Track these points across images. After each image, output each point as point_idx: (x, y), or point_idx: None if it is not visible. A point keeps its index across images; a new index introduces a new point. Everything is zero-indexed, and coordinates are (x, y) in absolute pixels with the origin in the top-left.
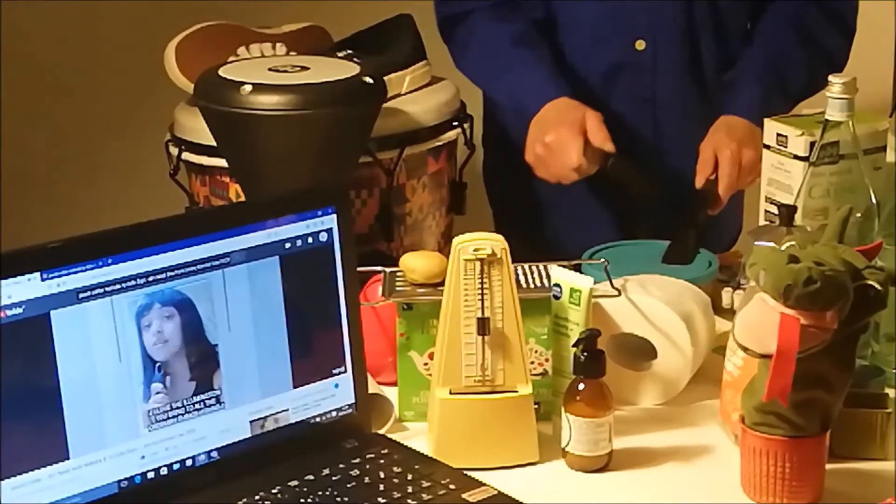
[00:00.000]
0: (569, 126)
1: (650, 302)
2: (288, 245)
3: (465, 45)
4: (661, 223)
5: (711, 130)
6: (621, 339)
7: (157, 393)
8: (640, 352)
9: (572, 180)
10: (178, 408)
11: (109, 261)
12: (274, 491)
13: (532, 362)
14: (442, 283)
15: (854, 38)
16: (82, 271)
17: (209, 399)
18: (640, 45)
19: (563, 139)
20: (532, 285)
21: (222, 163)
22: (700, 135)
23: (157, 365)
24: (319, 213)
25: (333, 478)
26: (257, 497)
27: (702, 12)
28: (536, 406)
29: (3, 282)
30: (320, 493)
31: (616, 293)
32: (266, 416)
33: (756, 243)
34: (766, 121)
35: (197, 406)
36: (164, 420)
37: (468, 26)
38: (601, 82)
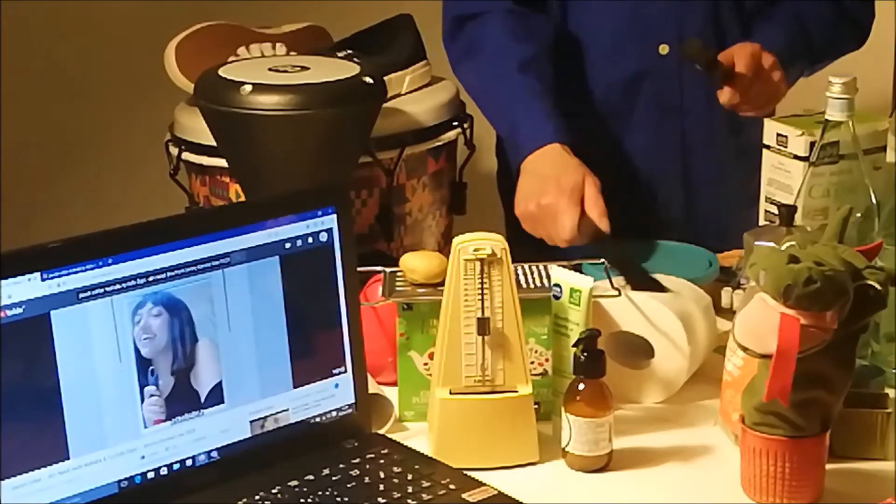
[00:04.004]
0: (568, 195)
1: (648, 301)
2: (288, 245)
3: (469, 53)
4: (685, 232)
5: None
6: (619, 338)
7: (156, 393)
8: (639, 350)
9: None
10: (177, 407)
11: (109, 261)
12: (274, 491)
13: (532, 362)
14: (442, 283)
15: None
16: (82, 271)
17: (209, 399)
18: (664, 49)
19: (559, 207)
20: (532, 285)
21: (222, 163)
22: (730, 142)
23: (157, 364)
24: (319, 213)
25: (333, 478)
26: (257, 497)
27: (727, 13)
28: (536, 406)
29: (3, 282)
30: (320, 493)
31: (616, 293)
32: (266, 416)
33: (756, 243)
34: (766, 121)
35: (197, 406)
36: (163, 420)
37: (477, 32)
38: (624, 90)
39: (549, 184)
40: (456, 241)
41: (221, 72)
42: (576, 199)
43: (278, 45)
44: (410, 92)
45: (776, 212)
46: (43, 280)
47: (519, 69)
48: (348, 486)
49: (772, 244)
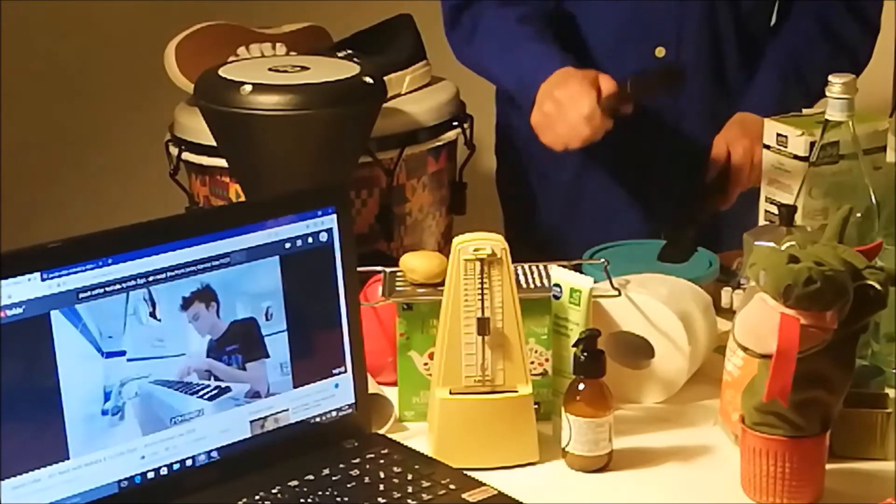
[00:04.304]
0: (580, 80)
1: (648, 300)
2: (288, 245)
3: (470, 32)
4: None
5: (726, 126)
6: (620, 338)
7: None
8: (639, 350)
9: (580, 142)
10: (178, 407)
11: (109, 261)
12: (274, 491)
13: (532, 362)
14: (442, 283)
15: (878, 34)
16: (82, 271)
17: (209, 398)
18: (661, 52)
19: (575, 91)
20: (532, 285)
21: (222, 163)
22: None
23: None
24: (319, 213)
25: (333, 478)
26: (257, 497)
27: (724, 16)
28: (536, 406)
29: (3, 282)
30: (320, 493)
31: (616, 293)
32: (266, 416)
33: (756, 243)
34: (766, 121)
35: (197, 406)
36: (164, 420)
37: (474, 13)
38: None
39: (559, 82)
40: (456, 241)
41: (221, 72)
42: (589, 85)
43: (278, 45)
44: (410, 92)
45: (776, 212)
46: (43, 280)
47: (518, 22)
48: (348, 486)
49: (772, 244)
